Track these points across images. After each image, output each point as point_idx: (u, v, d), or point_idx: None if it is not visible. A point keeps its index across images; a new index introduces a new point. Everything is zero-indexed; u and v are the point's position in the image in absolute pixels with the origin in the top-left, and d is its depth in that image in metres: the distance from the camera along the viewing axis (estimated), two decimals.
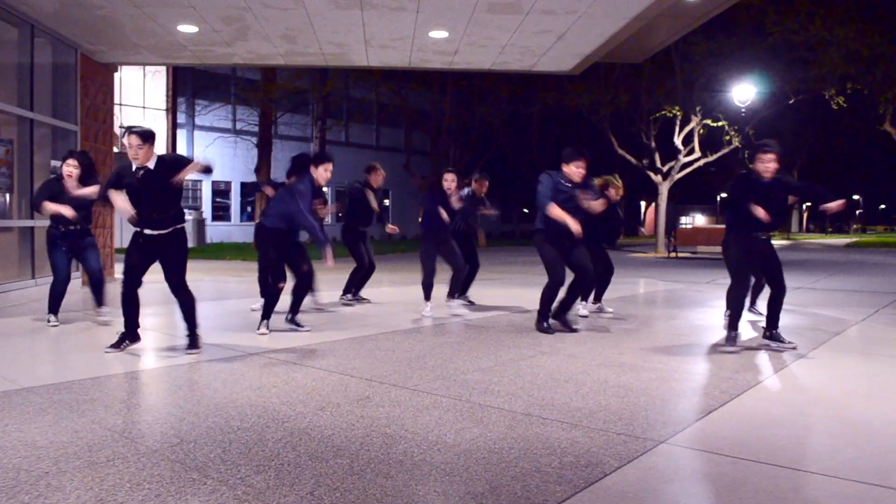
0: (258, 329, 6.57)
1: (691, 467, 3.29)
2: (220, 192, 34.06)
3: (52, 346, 6.13)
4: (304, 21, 9.52)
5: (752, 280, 7.31)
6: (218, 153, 31.33)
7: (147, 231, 5.51)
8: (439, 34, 10.17)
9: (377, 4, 8.86)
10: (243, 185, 33.67)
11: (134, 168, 5.45)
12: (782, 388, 4.82)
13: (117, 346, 5.63)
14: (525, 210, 48.59)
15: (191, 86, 32.45)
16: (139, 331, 5.75)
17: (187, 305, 5.68)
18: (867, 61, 19.86)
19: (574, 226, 6.58)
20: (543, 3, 8.71)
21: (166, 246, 5.54)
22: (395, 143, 39.27)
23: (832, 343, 6.57)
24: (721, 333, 6.69)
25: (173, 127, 30.75)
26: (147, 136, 5.41)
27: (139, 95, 29.79)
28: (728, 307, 6.53)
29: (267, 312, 6.65)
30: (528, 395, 4.42)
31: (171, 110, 30.69)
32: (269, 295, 6.75)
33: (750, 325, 7.44)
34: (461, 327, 7.34)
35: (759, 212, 5.76)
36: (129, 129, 5.51)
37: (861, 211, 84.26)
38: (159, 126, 29.89)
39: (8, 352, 5.72)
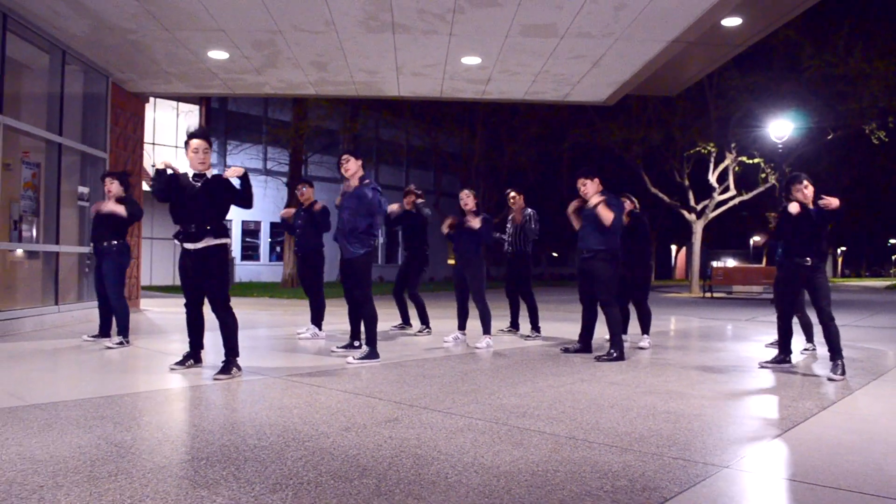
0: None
1: (758, 492, 2.90)
2: (250, 231, 34.14)
3: (69, 368, 5.87)
4: (335, 45, 9.40)
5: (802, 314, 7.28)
6: None
7: (186, 245, 5.37)
8: (472, 60, 10.00)
9: (409, 27, 8.71)
10: (272, 225, 33.73)
11: (192, 175, 5.38)
12: (848, 417, 4.39)
13: (182, 363, 5.61)
14: (555, 254, 48.14)
15: (223, 125, 32.78)
16: (202, 353, 5.77)
17: (225, 327, 5.40)
18: None
19: None
20: (579, 24, 8.50)
21: (203, 261, 5.34)
22: (425, 184, 39.25)
23: (891, 375, 6.13)
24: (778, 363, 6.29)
25: None
26: (210, 141, 5.47)
27: (172, 134, 30.10)
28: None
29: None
30: (570, 420, 4.05)
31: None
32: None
33: (809, 356, 7.02)
34: (494, 355, 6.99)
35: (793, 206, 5.86)
36: (191, 134, 5.42)
37: None
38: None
39: (20, 373, 5.48)
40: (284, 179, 27.72)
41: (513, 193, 8.84)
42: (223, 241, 5.40)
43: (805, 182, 6.04)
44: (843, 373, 5.69)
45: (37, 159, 9.17)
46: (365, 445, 3.40)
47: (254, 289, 22.98)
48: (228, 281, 5.49)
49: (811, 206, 5.93)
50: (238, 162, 32.98)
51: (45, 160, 9.27)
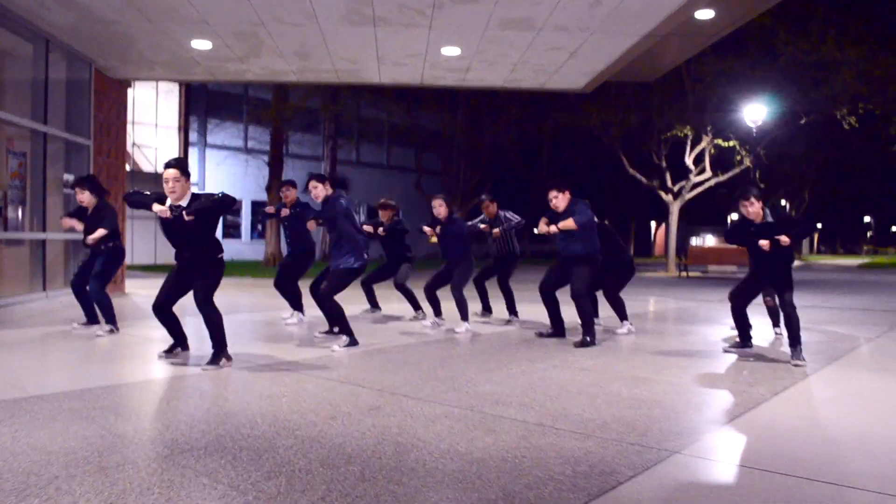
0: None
1: (706, 477, 3.23)
2: (233, 211, 34.20)
3: (63, 356, 6.12)
4: (317, 38, 9.59)
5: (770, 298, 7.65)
6: (229, 172, 31.54)
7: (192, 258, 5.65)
8: (451, 51, 10.22)
9: (390, 21, 8.92)
10: (254, 204, 33.80)
11: (168, 204, 5.50)
12: (798, 403, 4.75)
13: (170, 351, 5.89)
14: (535, 231, 48.56)
15: (203, 104, 32.70)
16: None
17: (210, 323, 5.62)
18: (879, 81, 19.82)
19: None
20: (555, 19, 8.75)
21: (194, 264, 5.59)
22: (406, 162, 39.39)
23: (846, 359, 6.51)
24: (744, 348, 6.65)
25: (185, 145, 30.96)
26: (185, 170, 5.53)
27: (152, 113, 30.01)
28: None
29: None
30: (540, 406, 4.38)
31: (184, 129, 30.91)
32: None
33: (769, 342, 7.39)
34: (472, 341, 7.30)
35: (764, 244, 6.10)
36: (167, 163, 5.54)
37: (872, 233, 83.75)
38: (171, 144, 30.11)
39: (18, 362, 5.72)
40: (265, 158, 27.78)
41: (486, 202, 9.02)
42: (219, 255, 5.65)
43: (752, 199, 6.16)
44: (803, 358, 6.06)
45: (22, 148, 9.31)
46: (350, 434, 3.70)
47: (235, 268, 23.12)
48: (216, 285, 5.67)
49: (759, 221, 6.18)
50: (218, 140, 32.99)
51: (30, 149, 9.42)
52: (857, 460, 3.45)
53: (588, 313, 7.05)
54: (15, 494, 2.76)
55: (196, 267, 5.59)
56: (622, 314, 8.11)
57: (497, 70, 11.34)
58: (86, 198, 7.18)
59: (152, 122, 30.21)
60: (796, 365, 5.94)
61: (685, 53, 11.32)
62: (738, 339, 6.72)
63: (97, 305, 7.20)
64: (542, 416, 4.13)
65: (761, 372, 5.76)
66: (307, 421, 3.94)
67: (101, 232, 7.01)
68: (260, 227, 33.25)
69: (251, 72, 11.74)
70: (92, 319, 7.38)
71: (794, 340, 6.16)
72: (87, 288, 7.20)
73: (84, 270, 7.25)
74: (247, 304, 11.00)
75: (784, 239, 5.99)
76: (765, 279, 6.52)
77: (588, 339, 6.95)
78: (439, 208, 8.05)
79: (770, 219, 6.21)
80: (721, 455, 3.56)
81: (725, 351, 6.67)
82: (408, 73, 11.64)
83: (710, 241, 73.27)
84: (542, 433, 3.78)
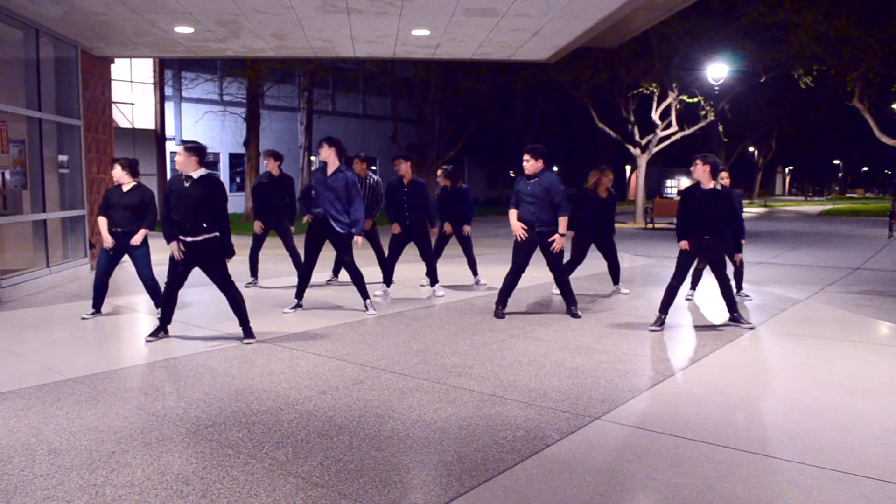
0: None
1: (615, 439, 4.17)
2: (209, 164, 34.37)
3: (85, 337, 6.91)
4: (294, 24, 10.21)
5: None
6: (206, 125, 31.84)
7: (186, 239, 6.32)
8: (421, 32, 10.88)
9: (362, 10, 9.56)
10: (231, 157, 34.22)
11: (184, 176, 6.31)
12: (708, 370, 5.71)
13: (155, 335, 6.58)
14: (511, 174, 49.31)
15: (177, 60, 32.74)
16: (169, 326, 6.72)
17: (234, 303, 6.49)
18: (834, 43, 20.67)
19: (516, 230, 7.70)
20: (517, 7, 9.43)
21: (199, 252, 6.32)
22: (382, 111, 39.80)
23: (771, 323, 7.48)
24: (676, 313, 7.58)
25: (161, 101, 31.21)
26: (193, 150, 6.31)
27: (126, 70, 30.12)
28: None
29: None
30: (494, 378, 5.30)
31: (159, 84, 31.11)
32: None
33: (700, 308, 8.34)
34: (442, 311, 8.20)
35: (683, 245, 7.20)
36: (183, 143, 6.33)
37: (842, 174, 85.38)
38: (147, 100, 30.36)
39: (44, 344, 6.54)
40: (242, 112, 28.15)
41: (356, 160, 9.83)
42: (211, 235, 6.31)
43: (697, 162, 7.07)
44: (742, 320, 7.13)
45: (17, 135, 9.92)
46: (339, 407, 4.60)
47: None
48: (226, 264, 6.44)
49: (708, 186, 7.04)
50: (195, 95, 33.23)
51: (27, 135, 10.03)
52: (739, 423, 4.41)
53: (567, 283, 7.83)
54: (86, 467, 3.62)
55: (201, 252, 6.28)
56: (617, 277, 9.39)
57: (465, 46, 12.00)
58: (120, 176, 7.43)
59: (127, 77, 30.38)
60: (751, 328, 7.07)
61: (649, 23, 12.01)
62: (659, 315, 7.19)
63: (151, 292, 7.58)
64: (496, 387, 5.06)
65: (690, 339, 6.72)
66: (303, 396, 4.83)
67: (143, 233, 7.46)
68: (238, 179, 33.76)
69: (230, 50, 12.32)
70: (98, 309, 7.66)
71: (731, 307, 7.16)
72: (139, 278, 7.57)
73: (114, 259, 7.53)
74: (233, 271, 11.75)
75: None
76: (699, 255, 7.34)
77: (575, 309, 7.77)
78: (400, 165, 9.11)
79: (718, 187, 7.06)
80: (631, 420, 4.49)
81: (651, 331, 7.08)
82: (380, 49, 12.27)
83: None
84: (493, 403, 4.70)
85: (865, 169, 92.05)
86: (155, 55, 13.19)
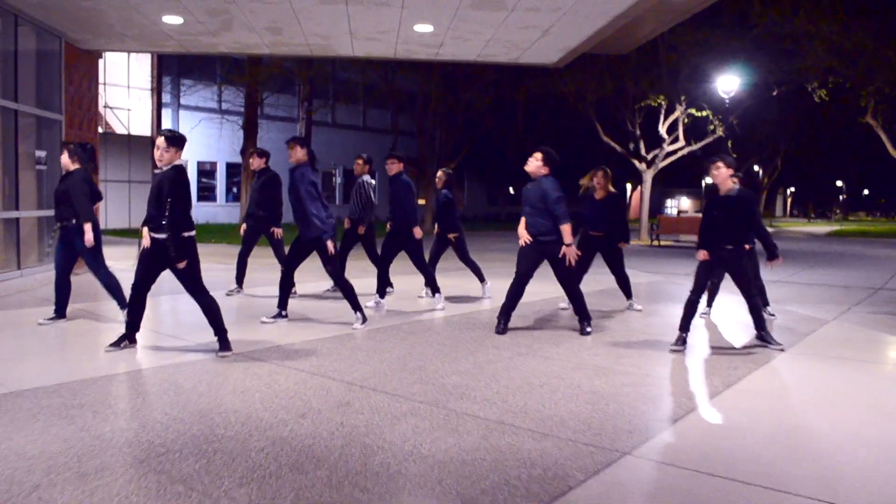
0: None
1: (651, 480, 3.46)
2: (206, 172, 33.94)
3: (38, 345, 6.21)
4: (289, 14, 9.57)
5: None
6: (203, 133, 31.22)
7: (153, 234, 5.59)
8: (424, 28, 10.25)
9: (362, 0, 8.93)
10: (229, 166, 33.61)
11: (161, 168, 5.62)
12: (746, 395, 5.00)
13: (117, 344, 5.82)
14: (511, 190, 48.69)
15: (176, 66, 32.23)
16: (137, 334, 5.97)
17: (208, 311, 5.78)
18: (850, 55, 20.07)
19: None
20: (527, 0, 8.80)
21: (164, 251, 5.55)
22: (382, 124, 39.24)
23: (803, 345, 6.77)
24: (693, 332, 6.83)
25: (158, 107, 30.61)
26: (172, 140, 5.59)
27: (124, 75, 29.57)
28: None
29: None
30: (502, 401, 4.59)
31: (157, 90, 30.53)
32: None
33: (727, 328, 7.65)
34: (442, 325, 7.50)
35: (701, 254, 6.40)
36: (160, 132, 5.65)
37: (844, 197, 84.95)
38: (144, 106, 29.75)
39: None
40: (240, 120, 27.53)
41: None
42: (188, 234, 5.60)
43: (718, 163, 6.32)
44: (772, 340, 6.45)
45: None
46: (319, 434, 3.89)
47: (212, 232, 23.12)
48: (197, 267, 5.73)
49: (726, 193, 6.37)
50: (193, 102, 32.63)
51: (1, 127, 9.37)
52: (796, 461, 3.70)
53: (581, 298, 7.13)
54: None
55: (165, 249, 5.52)
56: (628, 291, 8.69)
57: (470, 46, 11.38)
58: (66, 163, 6.85)
59: (124, 83, 29.80)
60: (782, 350, 6.35)
61: (659, 28, 11.42)
62: (680, 334, 6.47)
63: (106, 288, 6.95)
64: (504, 413, 4.35)
65: (717, 361, 6.02)
66: (278, 419, 4.12)
67: (88, 232, 6.75)
68: (235, 189, 33.10)
69: (223, 45, 11.68)
70: (61, 313, 7.01)
71: (759, 325, 6.50)
72: (94, 275, 6.96)
73: (66, 254, 6.89)
74: (221, 280, 11.07)
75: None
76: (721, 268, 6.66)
77: (587, 325, 7.04)
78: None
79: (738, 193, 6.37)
80: (668, 456, 3.78)
81: (672, 351, 6.35)
82: (381, 47, 11.64)
83: (685, 204, 73.94)
84: (502, 432, 3.99)
85: (866, 192, 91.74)
86: (144, 49, 12.58)
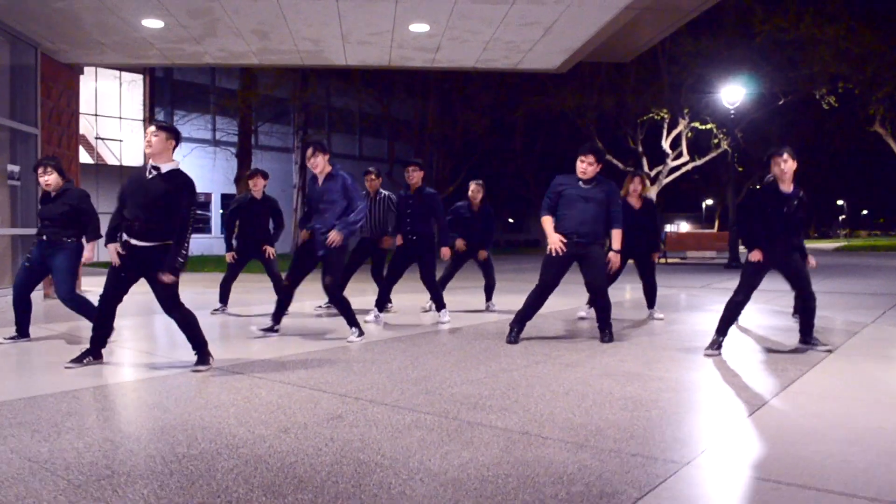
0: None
1: (725, 494, 2.74)
2: (200, 204, 33.36)
3: None
4: (276, 13, 8.97)
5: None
6: (197, 164, 30.68)
7: (132, 241, 4.91)
8: (420, 28, 9.65)
9: None
10: (223, 197, 33.03)
11: (150, 167, 4.94)
12: (808, 397, 4.28)
13: (78, 360, 5.09)
14: (510, 220, 48.22)
15: (168, 95, 31.81)
16: (103, 350, 5.24)
17: (184, 325, 5.07)
18: (858, 59, 19.53)
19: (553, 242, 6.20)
20: None
21: (146, 260, 4.89)
22: (379, 152, 38.78)
23: (849, 346, 6.11)
24: (729, 339, 6.12)
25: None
26: (166, 130, 4.97)
27: (115, 105, 29.13)
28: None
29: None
30: (524, 410, 3.87)
31: (149, 121, 30.04)
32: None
33: (743, 331, 6.96)
34: (449, 334, 6.79)
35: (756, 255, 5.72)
36: (153, 122, 5.00)
37: (844, 216, 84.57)
38: (136, 137, 29.22)
39: None
40: (234, 150, 27.00)
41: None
42: (168, 242, 4.89)
43: (786, 155, 5.64)
44: (817, 342, 5.86)
45: None
46: (304, 450, 3.17)
47: (207, 263, 22.45)
48: (177, 281, 5.04)
49: (787, 190, 5.73)
50: (186, 133, 32.12)
51: None
52: (873, 465, 2.98)
53: (608, 308, 6.42)
54: None
55: (144, 258, 4.87)
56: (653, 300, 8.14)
57: (468, 49, 10.79)
58: (52, 180, 6.13)
59: (116, 114, 29.33)
60: (829, 351, 5.74)
61: (661, 32, 10.85)
62: (715, 337, 5.80)
63: (76, 310, 6.26)
64: (527, 422, 3.63)
65: (755, 364, 5.32)
66: (255, 435, 3.40)
67: (93, 249, 6.22)
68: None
69: (209, 54, 11.08)
70: (23, 333, 6.34)
71: (808, 328, 5.93)
72: (55, 293, 6.28)
73: (32, 271, 6.21)
74: (215, 301, 10.38)
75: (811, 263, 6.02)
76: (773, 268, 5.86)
77: (608, 332, 6.35)
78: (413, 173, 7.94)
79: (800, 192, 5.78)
80: (734, 465, 3.07)
81: (706, 355, 5.66)
82: (374, 53, 11.05)
83: (684, 228, 73.51)
84: (527, 444, 3.27)
85: (865, 212, 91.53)
86: (125, 61, 11.97)
